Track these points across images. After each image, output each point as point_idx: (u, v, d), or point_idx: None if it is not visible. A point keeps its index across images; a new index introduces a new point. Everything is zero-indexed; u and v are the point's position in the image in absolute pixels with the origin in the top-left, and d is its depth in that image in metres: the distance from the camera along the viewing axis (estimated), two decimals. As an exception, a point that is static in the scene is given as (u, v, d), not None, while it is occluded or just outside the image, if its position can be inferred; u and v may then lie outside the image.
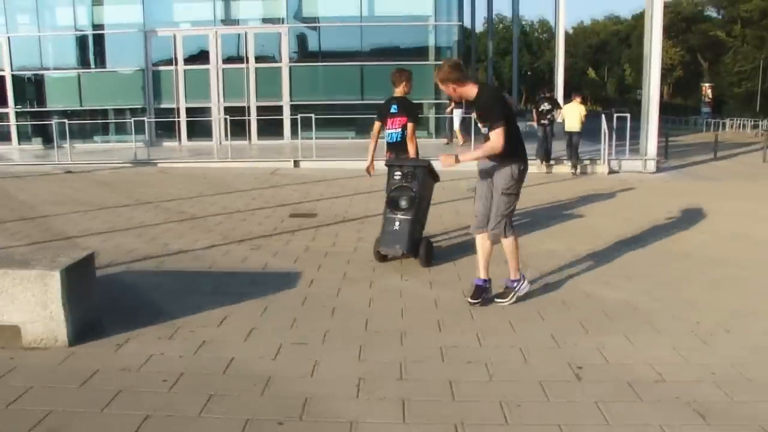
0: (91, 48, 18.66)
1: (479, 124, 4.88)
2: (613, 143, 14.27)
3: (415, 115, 6.43)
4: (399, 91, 6.37)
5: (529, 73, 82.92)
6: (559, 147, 14.22)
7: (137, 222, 8.36)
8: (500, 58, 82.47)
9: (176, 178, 12.78)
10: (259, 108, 18.38)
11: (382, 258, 6.16)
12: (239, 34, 18.17)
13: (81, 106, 18.64)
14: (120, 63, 18.71)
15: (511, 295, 4.92)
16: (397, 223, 5.96)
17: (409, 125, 6.27)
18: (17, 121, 18.38)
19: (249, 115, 18.38)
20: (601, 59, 70.87)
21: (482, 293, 4.92)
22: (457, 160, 4.78)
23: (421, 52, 18.27)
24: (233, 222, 8.41)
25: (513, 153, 4.71)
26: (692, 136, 29.63)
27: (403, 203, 5.98)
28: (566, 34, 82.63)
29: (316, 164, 14.51)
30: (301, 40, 18.33)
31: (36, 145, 18.26)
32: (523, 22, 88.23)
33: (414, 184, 6.00)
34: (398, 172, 6.10)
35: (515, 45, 28.90)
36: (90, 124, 18.33)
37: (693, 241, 7.36)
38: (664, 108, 54.93)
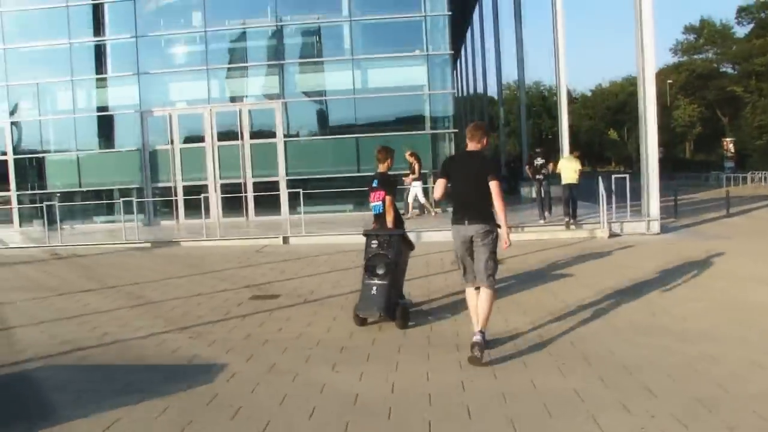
0: (89, 130, 18.87)
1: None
2: (613, 205, 13.65)
3: (392, 188, 6.79)
4: (382, 168, 6.89)
5: (549, 136, 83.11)
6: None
7: (90, 309, 7.98)
8: (518, 123, 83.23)
9: (157, 259, 12.47)
10: (255, 184, 18.21)
11: (362, 322, 6.42)
12: (234, 111, 18.21)
13: (80, 186, 18.69)
14: (117, 143, 18.87)
15: (483, 347, 5.16)
16: (374, 289, 6.31)
17: (387, 198, 6.62)
18: (19, 204, 18.46)
19: (245, 192, 18.18)
20: (621, 119, 70.70)
21: (486, 345, 5.22)
22: (508, 236, 5.38)
23: (416, 121, 18.08)
24: (188, 306, 7.97)
25: (490, 214, 5.36)
26: (707, 193, 28.73)
27: (380, 270, 6.35)
28: (585, 96, 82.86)
29: (306, 240, 14.11)
30: (296, 114, 18.29)
31: (37, 227, 18.24)
32: (542, 87, 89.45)
33: (389, 251, 6.40)
34: (375, 241, 6.52)
35: (523, 112, 28.69)
36: (90, 204, 18.29)
37: (677, 310, 6.69)
38: (686, 165, 54.37)
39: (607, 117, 74.25)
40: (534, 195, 15.38)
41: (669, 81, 56.07)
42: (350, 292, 8.00)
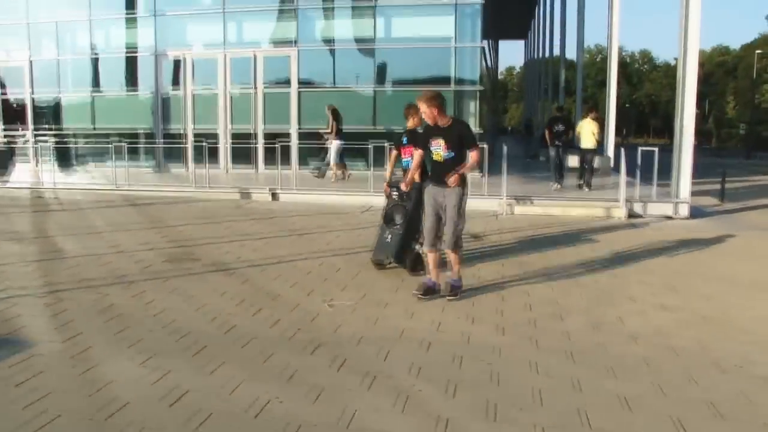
0: (105, 71, 18.37)
1: (439, 150, 5.76)
2: (637, 182, 11.96)
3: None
4: (410, 124, 7.07)
5: (627, 105, 78.61)
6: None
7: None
8: (598, 90, 78.85)
9: (124, 209, 11.78)
10: (267, 135, 17.27)
11: (379, 265, 6.93)
12: (248, 57, 17.19)
13: (93, 128, 18.28)
14: (132, 86, 18.29)
15: (458, 292, 5.91)
16: (389, 236, 6.77)
17: (416, 152, 6.42)
18: (35, 143, 18.28)
19: (256, 142, 17.28)
20: (705, 91, 65.67)
21: (432, 291, 5.90)
22: (459, 176, 5.63)
23: (440, 77, 16.54)
24: (86, 266, 7.12)
25: (463, 177, 5.74)
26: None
27: (397, 218, 6.78)
28: (668, 66, 77.47)
29: (295, 197, 13.12)
30: (312, 64, 17.09)
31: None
32: (624, 53, 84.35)
33: (408, 203, 6.74)
34: (396, 192, 6.83)
35: (579, 78, 26.39)
36: (101, 147, 17.85)
37: (636, 324, 5.30)
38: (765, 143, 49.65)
39: (690, 88, 69.10)
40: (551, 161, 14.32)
41: (758, 51, 51.14)
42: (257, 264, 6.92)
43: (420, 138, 6.19)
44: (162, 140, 17.79)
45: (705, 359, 4.47)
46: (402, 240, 6.68)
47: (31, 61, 18.73)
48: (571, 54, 31.31)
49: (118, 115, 18.45)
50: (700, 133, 64.03)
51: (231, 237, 9.06)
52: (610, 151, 19.31)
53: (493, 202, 11.86)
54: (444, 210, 5.77)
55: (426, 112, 5.73)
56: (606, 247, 8.52)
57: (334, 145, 14.56)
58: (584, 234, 9.57)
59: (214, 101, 17.58)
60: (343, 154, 14.87)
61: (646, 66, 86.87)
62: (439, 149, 5.75)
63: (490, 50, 22.42)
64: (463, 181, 5.70)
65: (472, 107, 16.28)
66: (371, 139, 16.29)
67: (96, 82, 18.38)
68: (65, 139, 18.44)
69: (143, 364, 4.29)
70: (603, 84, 78.54)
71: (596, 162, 16.34)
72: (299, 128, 17.06)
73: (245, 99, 17.34)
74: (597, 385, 3.99)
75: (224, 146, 17.46)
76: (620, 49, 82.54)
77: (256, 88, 17.27)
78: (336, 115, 14.61)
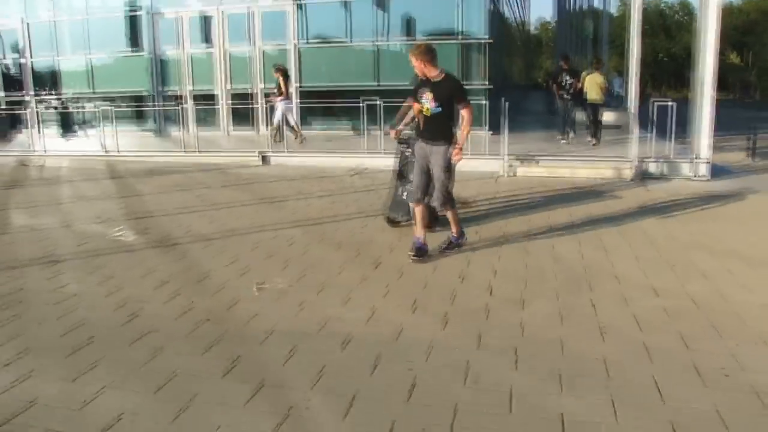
0: (100, 32, 17.59)
1: (426, 103, 5.53)
2: (652, 139, 10.85)
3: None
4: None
5: (665, 58, 75.14)
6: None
7: None
8: (656, 40, 75.50)
9: (102, 177, 11.20)
10: (266, 94, 16.42)
11: (392, 222, 6.81)
12: (244, 14, 16.26)
13: (93, 92, 17.72)
14: (128, 47, 17.55)
15: (454, 247, 5.86)
16: (403, 193, 6.59)
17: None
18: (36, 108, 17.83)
19: (253, 102, 16.48)
20: (748, 41, 62.27)
21: (424, 252, 5.66)
22: (461, 149, 5.53)
23: (445, 28, 15.39)
24: (19, 243, 6.56)
25: (450, 135, 5.60)
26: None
27: (411, 176, 6.13)
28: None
29: (286, 160, 12.36)
30: (311, 18, 16.08)
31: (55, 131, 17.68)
32: (663, 4, 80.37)
33: None
34: (408, 148, 6.48)
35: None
36: (100, 111, 17.25)
37: (611, 314, 4.44)
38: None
39: (733, 38, 65.55)
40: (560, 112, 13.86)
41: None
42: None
43: (412, 91, 5.84)
44: (161, 103, 17.10)
45: (684, 363, 3.60)
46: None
47: (27, 24, 18.10)
48: (607, 4, 29.55)
49: (117, 78, 17.81)
50: (744, 86, 61.06)
51: (196, 206, 8.37)
52: (633, 106, 17.95)
53: (495, 163, 10.91)
54: (429, 167, 5.66)
55: (416, 65, 5.54)
56: (606, 213, 7.56)
57: (280, 106, 13.48)
58: (586, 197, 8.60)
59: (212, 61, 16.74)
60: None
61: (686, 17, 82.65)
62: (426, 102, 5.55)
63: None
64: (449, 139, 5.57)
65: (480, 60, 15.11)
66: (375, 96, 15.44)
67: (93, 45, 17.66)
68: (64, 104, 17.89)
69: (6, 366, 3.63)
70: (643, 35, 75.23)
71: (612, 117, 15.33)
72: (299, 86, 16.12)
73: (242, 57, 16.45)
74: (538, 400, 3.18)
75: (223, 107, 16.68)
76: (658, 0, 79.14)
77: (254, 45, 16.34)
78: (286, 76, 13.56)
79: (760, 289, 4.88)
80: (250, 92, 16.56)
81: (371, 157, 11.78)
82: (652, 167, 10.70)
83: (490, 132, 13.54)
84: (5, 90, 18.82)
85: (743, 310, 4.43)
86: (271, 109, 13.79)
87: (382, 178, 10.11)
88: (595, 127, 13.07)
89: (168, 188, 9.84)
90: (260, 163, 12.45)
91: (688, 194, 8.99)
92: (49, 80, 18.46)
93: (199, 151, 13.01)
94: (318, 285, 5.02)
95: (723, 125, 11.50)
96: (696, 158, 10.58)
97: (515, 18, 39.60)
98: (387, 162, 11.32)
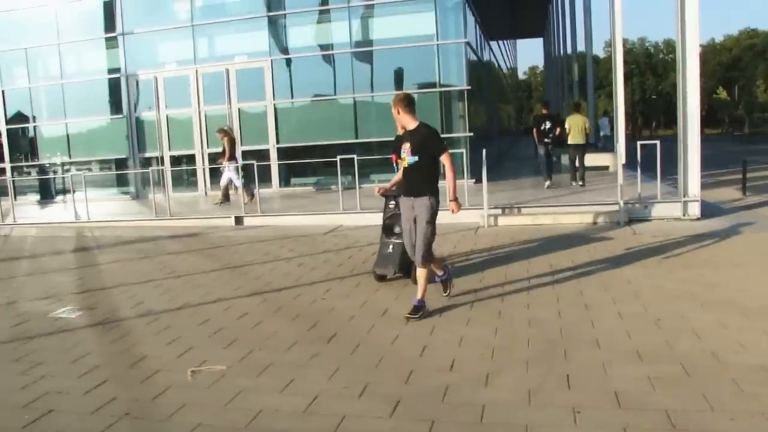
0: (77, 97, 17.37)
1: (405, 155, 5.41)
2: (638, 179, 10.44)
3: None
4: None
5: (653, 96, 75.82)
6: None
7: None
8: (644, 79, 76.22)
9: (64, 247, 10.69)
10: (245, 153, 16.11)
11: (380, 278, 6.63)
12: (221, 72, 16.08)
13: (69, 157, 17.40)
14: (104, 111, 17.30)
15: (420, 313, 5.37)
16: (390, 247, 6.52)
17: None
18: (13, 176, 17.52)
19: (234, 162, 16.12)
20: (734, 77, 62.95)
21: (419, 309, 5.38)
22: (458, 202, 5.53)
23: (425, 79, 15.19)
24: None
25: (433, 186, 5.40)
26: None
27: (396, 228, 6.41)
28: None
29: (261, 220, 11.89)
30: (287, 74, 15.90)
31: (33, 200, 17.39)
32: (647, 44, 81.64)
33: None
34: (392, 202, 6.48)
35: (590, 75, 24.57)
36: (80, 176, 16.89)
37: (585, 388, 3.85)
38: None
39: (717, 74, 66.42)
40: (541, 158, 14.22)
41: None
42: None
43: (393, 147, 5.71)
44: (137, 167, 16.78)
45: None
46: (403, 250, 6.11)
47: (2, 91, 17.94)
48: (594, 48, 29.56)
49: (94, 143, 17.57)
50: (733, 120, 61.29)
51: (155, 276, 7.84)
52: (622, 147, 17.63)
53: (476, 214, 10.44)
54: (415, 222, 5.48)
55: (395, 116, 5.45)
56: (589, 263, 7.06)
57: (230, 167, 13.27)
58: (569, 246, 8.10)
59: (189, 122, 16.49)
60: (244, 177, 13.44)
61: (671, 56, 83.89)
62: (404, 153, 5.43)
63: (481, 47, 20.87)
64: (433, 191, 5.39)
65: (460, 108, 14.84)
66: (355, 151, 15.13)
67: (68, 110, 17.43)
68: (43, 171, 17.61)
69: None
70: (626, 77, 75.71)
71: (599, 159, 15.16)
72: (277, 144, 15.83)
73: (220, 117, 16.19)
74: None
75: (201, 168, 16.35)
76: (643, 40, 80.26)
77: (230, 104, 16.10)
78: (229, 137, 13.31)
79: (757, 347, 4.33)
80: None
81: (348, 215, 11.35)
82: (640, 209, 10.26)
83: (473, 181, 13.18)
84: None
85: (740, 374, 3.87)
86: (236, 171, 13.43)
87: (355, 237, 9.67)
88: (581, 169, 13.09)
89: (131, 257, 9.33)
90: (234, 225, 11.98)
91: (677, 237, 8.50)
92: (27, 147, 18.21)
93: (171, 216, 12.55)
94: (260, 366, 4.47)
95: (713, 161, 11.22)
96: (685, 197, 10.13)
97: (501, 65, 39.91)
98: (365, 220, 10.95)
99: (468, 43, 14.95)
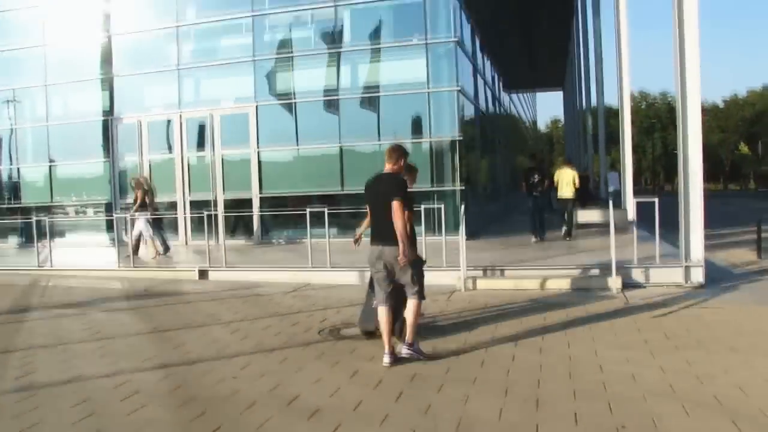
0: (59, 140, 16.94)
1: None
2: (635, 240, 9.37)
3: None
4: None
5: (675, 151, 74.53)
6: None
7: None
8: (644, 137, 75.13)
9: (10, 293, 9.88)
10: (227, 202, 15.38)
11: (366, 334, 6.23)
12: (204, 117, 15.48)
13: (51, 201, 16.80)
14: (86, 154, 16.73)
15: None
16: (375, 302, 5.84)
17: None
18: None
19: (215, 210, 15.36)
20: (757, 132, 61.68)
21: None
22: (404, 255, 5.29)
23: (415, 127, 14.42)
24: None
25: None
26: None
27: None
28: (716, 108, 73.64)
29: (226, 275, 11.00)
30: (272, 120, 15.24)
31: (12, 243, 16.79)
32: (669, 98, 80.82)
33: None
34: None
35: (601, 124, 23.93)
36: (59, 222, 16.26)
37: None
38: None
39: (740, 129, 65.19)
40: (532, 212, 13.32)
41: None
42: None
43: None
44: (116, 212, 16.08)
45: None
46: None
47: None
48: (613, 100, 28.61)
49: (75, 186, 16.96)
50: (760, 175, 59.69)
51: (71, 339, 6.94)
52: (630, 203, 16.58)
53: (454, 276, 9.42)
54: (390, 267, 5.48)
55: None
56: (560, 343, 6.00)
57: (140, 220, 12.63)
58: (545, 319, 7.04)
59: (172, 167, 15.84)
60: (157, 230, 12.98)
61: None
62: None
63: (486, 95, 20.15)
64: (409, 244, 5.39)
65: (450, 159, 13.97)
66: (341, 201, 14.31)
67: (50, 154, 16.94)
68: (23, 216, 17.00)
69: None
70: (648, 131, 74.52)
71: (596, 216, 14.75)
72: (260, 194, 15.06)
73: (203, 163, 15.52)
74: None
75: (182, 216, 15.59)
76: (665, 95, 79.21)
77: (213, 151, 15.44)
78: (142, 188, 12.72)
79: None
80: (211, 200, 15.47)
81: (317, 272, 10.42)
82: (637, 274, 9.18)
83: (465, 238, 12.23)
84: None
85: None
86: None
87: (315, 299, 8.76)
88: (569, 223, 13.13)
89: (63, 313, 8.44)
90: (197, 278, 11.09)
91: (673, 308, 7.42)
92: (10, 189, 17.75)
93: (134, 266, 11.73)
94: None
95: (735, 218, 10.13)
96: (686, 262, 9.04)
97: (520, 116, 39.18)
98: (334, 278, 10.01)
99: (461, 91, 14.17)
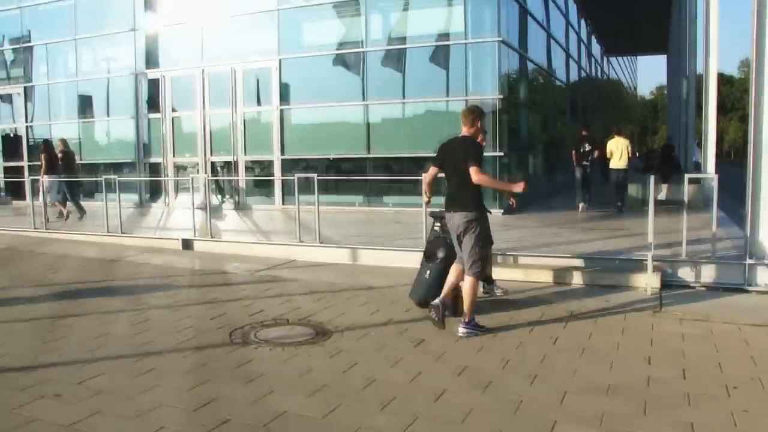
0: (83, 97, 16.30)
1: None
2: (684, 228, 7.26)
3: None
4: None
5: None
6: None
7: None
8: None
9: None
10: (248, 164, 14.26)
11: (419, 304, 5.87)
12: (226, 72, 14.28)
13: (80, 159, 16.26)
14: (112, 111, 16.01)
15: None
16: (427, 272, 5.89)
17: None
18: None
19: (237, 173, 14.31)
20: None
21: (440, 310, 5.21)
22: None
23: (451, 84, 12.58)
24: None
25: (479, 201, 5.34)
26: None
27: (439, 254, 5.91)
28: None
29: (211, 245, 9.82)
30: (297, 76, 13.80)
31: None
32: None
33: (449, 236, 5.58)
34: (438, 223, 6.09)
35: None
36: (85, 181, 15.71)
37: None
38: None
39: None
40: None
41: None
42: None
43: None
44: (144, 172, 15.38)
45: None
46: (440, 276, 5.64)
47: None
48: (729, 68, 25.29)
49: (104, 146, 16.35)
50: None
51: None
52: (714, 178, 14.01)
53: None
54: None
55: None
56: (528, 374, 4.26)
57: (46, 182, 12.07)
58: (526, 333, 5.29)
59: (193, 126, 14.83)
60: (69, 192, 12.42)
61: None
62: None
63: (558, 54, 17.81)
64: (475, 206, 5.24)
65: (489, 121, 12.04)
66: (366, 167, 12.87)
67: (80, 110, 16.36)
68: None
69: None
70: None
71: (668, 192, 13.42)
72: (282, 156, 13.78)
73: (224, 122, 14.40)
74: None
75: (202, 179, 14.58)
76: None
77: (235, 109, 14.25)
78: (48, 149, 12.34)
79: None
80: (232, 161, 14.37)
81: (304, 247, 9.02)
82: (685, 271, 7.12)
83: (501, 212, 10.54)
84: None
85: None
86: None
87: (287, 280, 7.39)
88: (620, 194, 12.39)
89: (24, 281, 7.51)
90: (180, 248, 9.97)
91: (719, 326, 5.40)
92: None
93: (122, 232, 10.75)
94: None
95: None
96: (750, 259, 6.89)
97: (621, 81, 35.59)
98: (324, 255, 8.59)
99: (504, 42, 12.12)
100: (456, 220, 5.21)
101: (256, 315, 5.94)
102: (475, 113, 5.39)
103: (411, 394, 3.96)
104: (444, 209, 5.47)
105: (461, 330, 5.08)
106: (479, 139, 5.44)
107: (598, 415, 3.58)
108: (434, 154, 5.55)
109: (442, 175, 5.48)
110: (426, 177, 5.62)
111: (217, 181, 14.51)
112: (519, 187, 5.29)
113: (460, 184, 5.17)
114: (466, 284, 5.15)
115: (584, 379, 4.17)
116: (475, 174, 5.03)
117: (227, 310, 6.15)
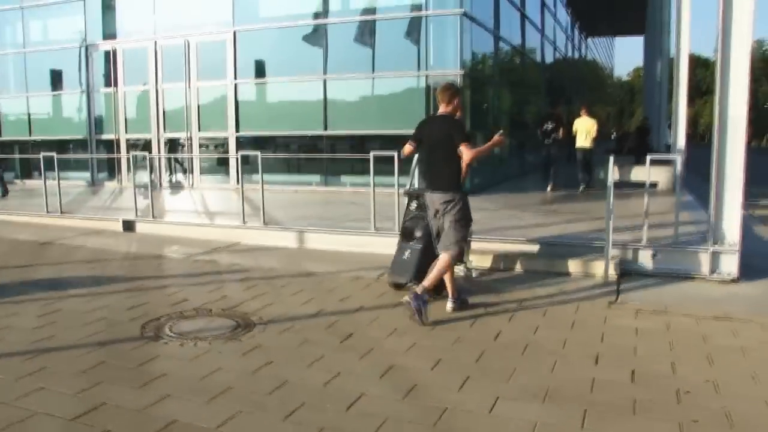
0: (33, 70, 15.42)
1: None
2: (644, 212, 6.85)
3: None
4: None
5: (766, 105, 67.80)
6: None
7: None
8: (757, 86, 68.32)
9: None
10: (202, 142, 13.61)
11: (396, 286, 5.73)
12: (179, 45, 13.55)
13: (30, 135, 15.48)
14: (62, 85, 15.20)
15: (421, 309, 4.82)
16: (407, 252, 5.77)
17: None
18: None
19: (191, 151, 13.66)
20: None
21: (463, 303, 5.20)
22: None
23: (408, 59, 12.01)
24: None
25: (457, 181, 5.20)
26: None
27: (417, 233, 5.79)
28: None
29: (154, 227, 9.23)
30: (252, 49, 13.13)
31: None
32: (765, 48, 73.17)
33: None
34: (414, 202, 5.92)
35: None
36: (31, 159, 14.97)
37: None
38: None
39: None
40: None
41: None
42: None
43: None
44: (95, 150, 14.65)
45: None
46: (421, 257, 5.57)
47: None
48: (706, 51, 24.88)
49: (55, 122, 15.55)
50: None
51: None
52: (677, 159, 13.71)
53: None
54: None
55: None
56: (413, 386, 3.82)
57: None
58: (483, 328, 4.84)
59: (147, 101, 14.11)
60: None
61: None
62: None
63: (528, 29, 17.29)
64: (456, 186, 5.08)
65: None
66: (325, 145, 12.33)
67: (28, 84, 15.53)
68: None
69: None
70: (756, 81, 68.15)
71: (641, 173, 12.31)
72: (237, 133, 13.15)
73: (178, 98, 13.70)
74: None
75: (157, 157, 13.93)
76: (761, 43, 71.83)
77: (189, 84, 13.56)
78: None
79: None
80: (185, 138, 13.71)
81: (252, 230, 8.48)
82: (645, 259, 6.73)
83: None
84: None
85: None
86: None
87: (222, 265, 6.87)
88: (586, 172, 12.13)
89: None
90: (121, 230, 9.36)
91: (680, 319, 4.99)
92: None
93: (61, 213, 10.11)
94: None
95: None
96: (714, 245, 6.51)
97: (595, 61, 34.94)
98: (270, 238, 8.10)
99: (467, 15, 11.58)
100: (436, 199, 5.08)
101: (179, 305, 5.44)
102: (451, 90, 5.23)
103: (322, 400, 3.50)
104: (420, 188, 5.35)
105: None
106: (458, 116, 5.26)
107: (528, 427, 3.14)
108: (408, 132, 5.37)
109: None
110: (402, 154, 5.52)
111: (169, 160, 13.85)
112: (499, 141, 5.26)
113: (442, 164, 5.05)
114: (441, 260, 4.98)
115: (521, 382, 3.74)
116: (467, 152, 4.91)
117: (150, 299, 5.63)
